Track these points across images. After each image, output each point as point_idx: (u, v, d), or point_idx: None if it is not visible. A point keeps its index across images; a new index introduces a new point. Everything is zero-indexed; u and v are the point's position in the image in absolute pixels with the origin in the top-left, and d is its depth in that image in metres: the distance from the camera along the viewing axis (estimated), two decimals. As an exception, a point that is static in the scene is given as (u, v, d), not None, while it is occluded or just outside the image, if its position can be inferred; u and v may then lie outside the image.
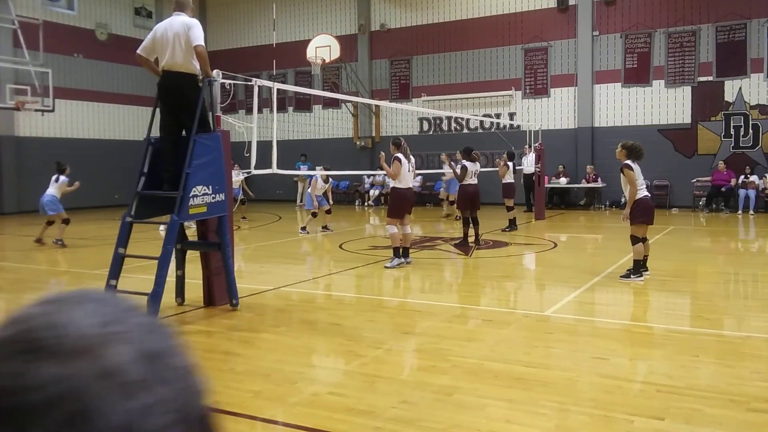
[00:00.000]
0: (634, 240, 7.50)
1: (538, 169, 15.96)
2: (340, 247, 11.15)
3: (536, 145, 15.93)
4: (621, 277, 7.59)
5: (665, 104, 18.05)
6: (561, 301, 6.71)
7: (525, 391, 3.95)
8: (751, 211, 16.03)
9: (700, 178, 17.28)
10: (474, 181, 10.79)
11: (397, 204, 8.87)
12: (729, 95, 17.32)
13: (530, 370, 4.38)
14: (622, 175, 7.57)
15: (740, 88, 17.19)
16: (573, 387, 4.07)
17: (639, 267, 7.50)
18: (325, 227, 13.21)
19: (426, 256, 9.99)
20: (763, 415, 3.51)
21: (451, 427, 3.43)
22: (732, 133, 17.31)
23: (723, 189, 16.74)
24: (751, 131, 17.10)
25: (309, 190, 13.20)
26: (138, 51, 6.13)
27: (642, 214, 7.49)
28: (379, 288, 8.10)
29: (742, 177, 16.79)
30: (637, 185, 7.46)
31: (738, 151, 17.13)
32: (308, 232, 12.82)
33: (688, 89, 17.78)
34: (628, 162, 7.52)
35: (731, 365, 4.45)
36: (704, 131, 17.64)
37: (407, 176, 8.74)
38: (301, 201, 21.46)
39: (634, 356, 4.74)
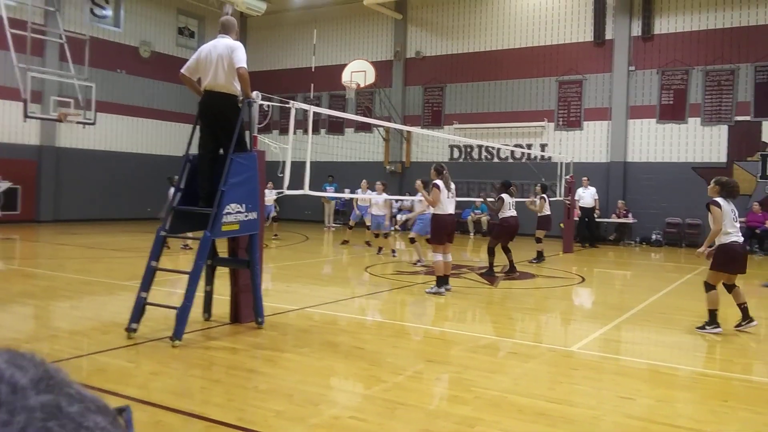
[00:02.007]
0: (708, 287, 6.94)
1: (595, 203, 16.73)
2: (366, 270, 11.18)
3: (567, 177, 15.86)
4: (697, 328, 6.97)
5: (701, 142, 17.84)
6: (587, 338, 6.63)
7: (548, 427, 3.90)
8: (787, 254, 15.66)
9: (734, 219, 16.94)
10: (514, 213, 11.00)
11: (438, 231, 8.86)
12: (767, 136, 17.06)
13: (554, 406, 4.33)
14: (708, 212, 7.08)
15: (778, 129, 16.91)
16: (597, 426, 4.01)
17: (715, 317, 6.88)
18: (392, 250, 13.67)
19: (451, 284, 9.95)
20: (793, 467, 3.42)
21: (471, 458, 3.40)
22: (769, 174, 17.00)
23: (758, 231, 16.41)
24: (788, 173, 16.77)
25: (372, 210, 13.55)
26: (182, 70, 6.31)
27: (726, 261, 6.92)
28: (403, 313, 8.10)
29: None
30: (725, 226, 6.86)
31: (775, 192, 16.81)
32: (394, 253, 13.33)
33: (724, 128, 17.56)
34: (717, 199, 7.01)
35: (761, 412, 4.34)
36: (740, 171, 17.35)
37: (446, 202, 8.72)
38: (329, 222, 21.62)
39: (661, 398, 4.65)
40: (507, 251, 10.93)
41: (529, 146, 19.54)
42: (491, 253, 10.87)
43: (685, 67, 18.01)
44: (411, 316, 8.01)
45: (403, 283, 9.99)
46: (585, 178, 17.27)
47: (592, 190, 17.41)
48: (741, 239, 7.07)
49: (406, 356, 5.62)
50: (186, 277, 5.77)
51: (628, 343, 6.79)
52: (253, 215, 6.11)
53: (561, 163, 16.20)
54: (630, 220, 18.05)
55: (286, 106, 6.89)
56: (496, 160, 20.63)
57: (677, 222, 17.33)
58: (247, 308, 6.35)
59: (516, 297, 9.31)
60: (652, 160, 18.33)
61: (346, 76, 19.93)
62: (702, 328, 6.94)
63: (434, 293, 8.67)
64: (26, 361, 0.52)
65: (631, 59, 18.62)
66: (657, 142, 18.38)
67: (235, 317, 6.44)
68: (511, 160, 19.87)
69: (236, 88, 6.08)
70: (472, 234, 20.06)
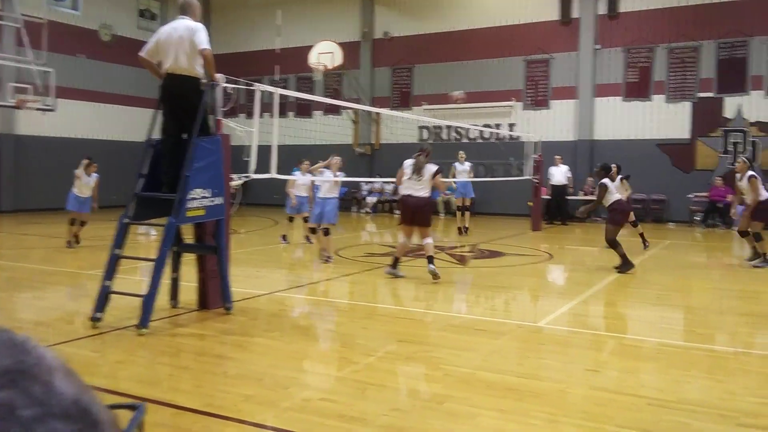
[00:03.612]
0: (757, 237, 9.64)
1: (568, 182, 16.74)
2: (337, 253, 11.15)
3: (535, 156, 15.98)
4: (754, 265, 9.64)
5: (665, 119, 18.12)
6: (555, 313, 6.73)
7: (517, 402, 3.96)
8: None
9: (697, 194, 17.33)
10: (619, 196, 9.79)
11: (401, 212, 8.81)
12: (729, 111, 17.40)
13: (522, 381, 4.39)
14: (748, 184, 9.66)
15: (740, 105, 17.27)
16: (564, 398, 4.08)
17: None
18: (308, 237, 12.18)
19: (422, 264, 10.00)
20: (751, 431, 3.52)
21: (441, 435, 3.44)
22: (730, 149, 17.38)
23: (720, 205, 16.78)
24: (749, 148, 17.17)
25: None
26: (141, 53, 6.16)
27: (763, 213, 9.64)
28: (374, 295, 8.11)
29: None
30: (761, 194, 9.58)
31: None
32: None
33: (688, 105, 17.86)
34: (753, 172, 9.76)
35: (722, 380, 4.46)
36: (703, 147, 17.70)
37: (406, 183, 8.52)
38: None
39: (626, 369, 4.75)
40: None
41: (497, 126, 19.63)
42: (615, 244, 9.37)
43: (650, 45, 18.21)
44: (382, 297, 8.02)
45: (374, 266, 10.00)
46: (558, 157, 17.45)
47: (564, 168, 17.61)
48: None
49: (377, 337, 5.63)
50: (151, 264, 5.68)
51: (595, 317, 6.91)
52: (218, 200, 6.02)
53: (529, 142, 16.32)
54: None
55: (251, 88, 6.78)
56: (465, 140, 20.68)
57: (643, 198, 17.61)
58: (214, 294, 6.28)
59: (485, 275, 9.39)
60: (618, 138, 18.57)
61: (313, 58, 19.72)
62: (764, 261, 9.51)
63: (388, 273, 8.61)
64: (6, 348, 0.47)
65: (597, 38, 18.76)
66: (623, 120, 18.62)
67: (203, 303, 6.38)
68: (480, 141, 19.95)
69: (198, 70, 5.96)
70: (442, 215, 20.13)
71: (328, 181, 9.96)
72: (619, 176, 11.20)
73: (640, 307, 7.27)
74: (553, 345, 5.52)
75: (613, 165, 10.61)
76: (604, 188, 9.56)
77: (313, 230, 10.77)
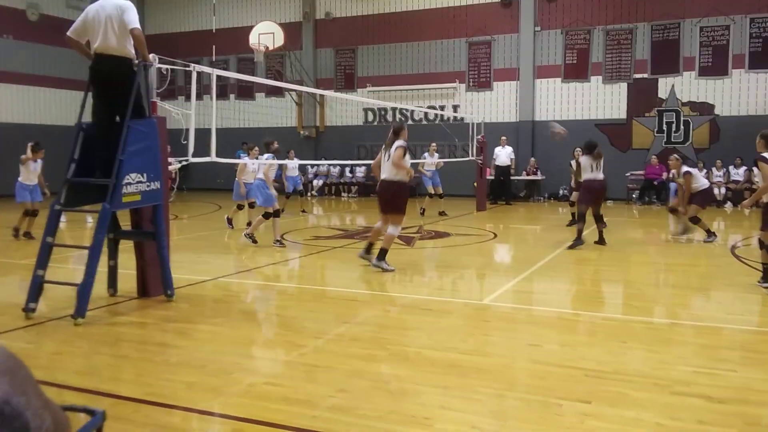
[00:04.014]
0: (762, 244, 6.71)
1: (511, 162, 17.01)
2: (283, 237, 11.03)
3: (479, 137, 16.16)
4: (758, 283, 6.76)
5: (602, 100, 18.60)
6: (499, 290, 6.85)
7: (460, 378, 4.01)
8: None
9: (633, 172, 17.93)
10: (597, 176, 9.93)
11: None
12: (662, 92, 18.00)
13: (467, 357, 4.45)
14: (755, 168, 6.78)
15: (673, 86, 17.88)
16: (506, 372, 4.16)
17: None
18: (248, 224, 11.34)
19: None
20: (684, 398, 3.67)
21: (387, 414, 3.45)
22: (665, 128, 18.01)
23: (655, 182, 17.42)
24: (682, 127, 17.83)
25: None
26: (68, 33, 5.89)
27: None
28: (322, 278, 8.07)
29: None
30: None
31: (670, 146, 17.84)
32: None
33: (624, 86, 18.37)
34: (765, 155, 6.56)
35: (657, 351, 4.64)
36: (638, 126, 18.28)
37: (383, 167, 7.84)
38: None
39: (567, 343, 4.88)
40: (598, 219, 9.95)
41: (441, 108, 19.74)
42: (581, 218, 9.81)
43: (587, 27, 18.60)
44: (329, 280, 8.00)
45: (321, 248, 9.95)
46: (503, 138, 17.77)
47: (508, 149, 17.94)
48: None
49: (324, 320, 5.61)
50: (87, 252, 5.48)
51: (538, 293, 7.07)
52: (155, 185, 5.84)
53: (473, 124, 16.48)
54: (539, 177, 18.69)
55: (188, 69, 6.58)
56: (410, 122, 20.71)
57: (583, 177, 18.06)
58: (155, 281, 6.12)
59: (432, 255, 9.48)
60: (558, 118, 18.93)
61: (253, 39, 19.31)
62: (764, 281, 6.71)
63: (375, 266, 7.84)
64: None
65: (537, 20, 19.03)
66: (562, 101, 19.02)
67: (143, 291, 6.20)
68: (425, 122, 20.03)
69: (129, 50, 5.73)
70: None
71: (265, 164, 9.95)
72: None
73: (579, 283, 7.49)
74: (497, 322, 5.62)
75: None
76: (578, 166, 10.33)
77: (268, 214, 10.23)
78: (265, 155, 10.25)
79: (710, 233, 10.23)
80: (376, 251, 7.89)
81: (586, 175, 9.92)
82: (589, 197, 9.90)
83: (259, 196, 9.92)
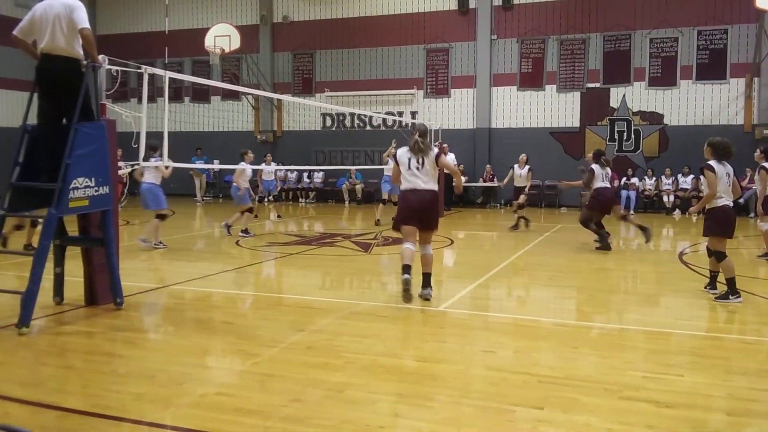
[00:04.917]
0: (718, 255, 6.54)
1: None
2: (237, 243, 10.89)
3: (436, 144, 16.26)
4: (717, 299, 6.55)
5: (557, 108, 18.99)
6: (455, 297, 6.89)
7: (415, 385, 4.01)
8: (632, 211, 17.17)
9: (587, 179, 18.32)
10: (607, 184, 10.37)
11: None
12: (614, 101, 18.48)
13: (421, 365, 4.45)
14: (702, 176, 6.67)
15: (624, 95, 18.38)
16: (460, 379, 4.18)
17: (734, 286, 6.46)
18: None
19: (325, 253, 9.95)
20: (632, 403, 3.74)
21: (341, 423, 3.42)
22: (616, 137, 18.49)
23: (607, 189, 17.80)
24: (633, 136, 18.34)
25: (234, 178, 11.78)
26: (14, 32, 5.69)
27: (717, 225, 6.54)
28: (277, 286, 7.97)
29: (624, 179, 17.97)
30: (718, 191, 6.47)
31: (621, 154, 18.32)
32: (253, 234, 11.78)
33: (577, 94, 18.79)
34: (711, 163, 6.53)
35: (607, 356, 4.73)
36: (591, 135, 18.71)
37: (407, 176, 6.57)
38: (200, 196, 20.77)
39: (520, 349, 4.93)
40: (599, 226, 10.34)
41: (400, 114, 19.82)
42: (586, 226, 10.34)
43: (542, 37, 18.97)
44: (285, 287, 7.91)
45: (277, 255, 9.84)
46: (444, 145, 17.55)
47: (451, 156, 17.88)
48: (731, 203, 6.64)
49: (278, 328, 5.53)
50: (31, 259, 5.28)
51: (493, 299, 7.13)
52: (104, 189, 5.67)
53: (431, 130, 16.54)
54: (495, 183, 18.92)
55: (139, 71, 6.43)
56: (368, 128, 20.76)
57: (537, 184, 18.34)
58: (103, 289, 5.94)
59: (388, 262, 9.47)
60: (514, 126, 19.27)
61: (209, 41, 19.06)
62: (724, 298, 6.49)
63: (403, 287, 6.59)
64: None
65: (494, 28, 19.32)
66: (518, 109, 19.33)
67: (91, 299, 6.02)
68: (383, 128, 20.07)
69: (77, 51, 5.57)
70: (347, 203, 20.14)
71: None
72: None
73: (533, 289, 7.59)
74: (452, 328, 5.64)
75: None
76: (591, 174, 10.32)
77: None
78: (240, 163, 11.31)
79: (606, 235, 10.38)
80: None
81: (598, 184, 10.32)
82: (599, 205, 10.31)
83: (151, 201, 10.03)
